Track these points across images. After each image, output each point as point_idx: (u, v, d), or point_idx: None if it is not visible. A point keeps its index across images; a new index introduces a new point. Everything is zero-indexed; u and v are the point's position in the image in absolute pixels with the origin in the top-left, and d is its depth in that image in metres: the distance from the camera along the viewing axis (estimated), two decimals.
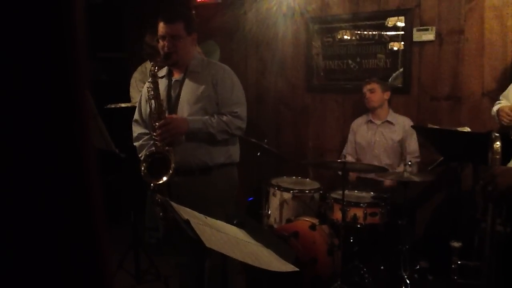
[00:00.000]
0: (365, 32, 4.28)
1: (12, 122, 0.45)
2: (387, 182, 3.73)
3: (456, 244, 2.68)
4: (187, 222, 1.56)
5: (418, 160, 3.80)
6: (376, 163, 3.81)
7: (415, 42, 4.05)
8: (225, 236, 1.66)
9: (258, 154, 3.96)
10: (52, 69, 0.47)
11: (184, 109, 2.67)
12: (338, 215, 3.35)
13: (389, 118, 3.91)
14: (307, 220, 3.37)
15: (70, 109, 0.49)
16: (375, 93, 3.86)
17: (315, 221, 3.36)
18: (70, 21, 0.48)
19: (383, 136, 3.89)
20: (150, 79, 2.61)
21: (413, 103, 4.13)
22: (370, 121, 3.98)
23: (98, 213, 0.51)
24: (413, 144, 3.83)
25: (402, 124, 3.87)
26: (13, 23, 0.45)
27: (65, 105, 0.48)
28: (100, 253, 0.51)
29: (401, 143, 3.86)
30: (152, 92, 2.58)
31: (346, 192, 3.31)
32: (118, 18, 5.52)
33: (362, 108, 4.03)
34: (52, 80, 0.47)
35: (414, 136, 3.83)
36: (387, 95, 3.90)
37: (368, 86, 3.89)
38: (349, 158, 4.01)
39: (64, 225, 0.49)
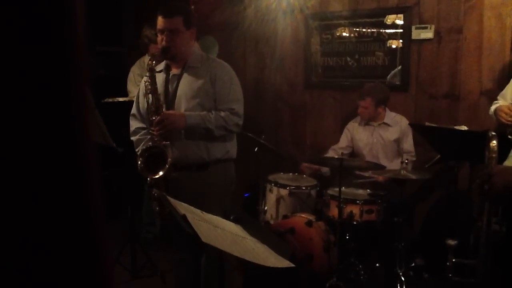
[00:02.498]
0: (364, 30, 4.28)
1: (11, 117, 0.45)
2: (381, 177, 3.74)
3: (451, 242, 2.69)
4: (184, 217, 1.56)
5: (414, 159, 3.81)
6: None
7: (414, 40, 4.05)
8: (221, 232, 1.67)
9: (256, 150, 3.96)
10: (51, 64, 0.47)
11: (181, 104, 2.67)
12: (334, 212, 3.36)
13: (386, 120, 3.89)
14: (303, 217, 3.38)
15: (70, 103, 0.49)
16: (367, 109, 3.84)
17: (312, 217, 3.37)
18: (70, 15, 0.48)
19: (380, 137, 3.89)
20: (147, 73, 2.61)
21: (411, 101, 4.14)
22: (366, 124, 3.97)
23: (97, 208, 0.51)
24: (409, 143, 3.84)
25: (399, 124, 3.87)
26: (12, 17, 0.45)
27: (64, 99, 0.48)
28: (100, 248, 0.52)
29: (398, 142, 3.86)
30: (150, 87, 2.58)
31: (343, 189, 3.32)
32: (117, 12, 5.50)
33: None
34: (52, 75, 0.47)
35: (410, 135, 3.84)
36: (381, 108, 3.86)
37: (362, 103, 3.84)
38: (331, 152, 4.03)
39: (64, 219, 0.49)
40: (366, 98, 3.81)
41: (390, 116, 3.91)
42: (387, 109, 3.93)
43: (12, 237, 0.46)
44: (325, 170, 4.02)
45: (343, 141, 4.09)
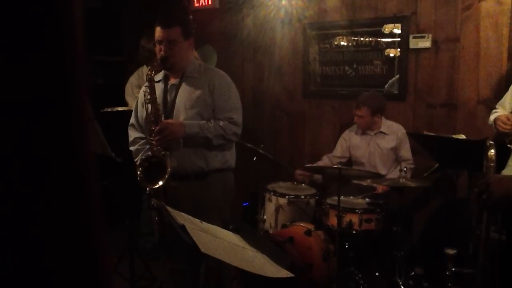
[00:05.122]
0: (362, 39, 4.30)
1: (9, 126, 0.46)
2: (380, 188, 3.74)
3: (450, 251, 2.69)
4: (183, 227, 1.56)
5: (413, 166, 3.81)
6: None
7: (411, 49, 4.07)
8: (220, 242, 1.66)
9: (254, 159, 3.95)
10: (50, 72, 0.47)
11: (180, 114, 2.68)
12: (333, 221, 3.35)
13: (382, 129, 3.88)
14: (302, 226, 3.37)
15: (69, 112, 0.49)
16: (364, 119, 3.83)
17: (311, 226, 3.36)
18: (68, 25, 0.48)
19: (377, 146, 3.89)
20: (147, 83, 2.62)
21: (409, 110, 4.14)
22: (363, 132, 3.97)
23: (96, 218, 0.51)
24: (406, 151, 3.84)
25: (395, 132, 3.86)
26: (11, 26, 0.45)
27: (63, 108, 0.48)
28: (99, 257, 0.52)
29: (395, 150, 3.86)
30: (149, 96, 2.59)
31: (342, 198, 3.31)
32: (116, 22, 5.53)
33: None
34: (50, 84, 0.47)
35: (407, 143, 3.84)
36: (377, 117, 3.85)
37: (358, 112, 3.84)
38: (325, 160, 4.04)
39: (63, 229, 0.49)
40: (362, 107, 3.81)
41: (387, 125, 3.91)
42: (383, 117, 3.94)
43: (10, 246, 0.46)
44: (317, 177, 4.03)
45: (338, 150, 4.08)
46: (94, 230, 0.51)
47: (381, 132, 3.89)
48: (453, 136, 3.52)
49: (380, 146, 3.88)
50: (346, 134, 4.09)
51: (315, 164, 4.08)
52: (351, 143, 4.02)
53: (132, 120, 2.87)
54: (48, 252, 0.48)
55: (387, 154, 3.86)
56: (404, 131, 3.86)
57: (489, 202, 1.81)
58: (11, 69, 0.45)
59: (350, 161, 4.07)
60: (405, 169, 3.40)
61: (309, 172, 4.01)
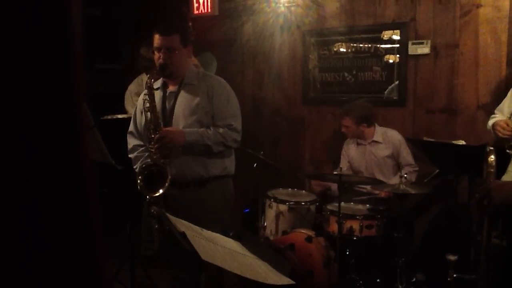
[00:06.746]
0: (361, 45, 4.31)
1: (7, 133, 0.46)
2: (383, 192, 3.72)
3: (452, 257, 2.68)
4: (183, 234, 1.55)
5: (417, 169, 3.77)
6: None
7: (411, 55, 4.07)
8: (221, 249, 1.66)
9: (255, 165, 3.95)
10: (48, 80, 0.47)
11: (179, 121, 2.67)
12: (334, 227, 3.35)
13: (375, 138, 3.84)
14: (303, 232, 3.36)
15: (67, 120, 0.49)
16: (349, 128, 3.82)
17: (311, 233, 3.36)
18: (67, 32, 0.48)
19: (373, 155, 3.86)
20: (146, 91, 2.62)
21: (408, 116, 4.15)
22: (358, 142, 3.95)
23: (95, 225, 0.51)
24: (406, 155, 3.80)
25: (390, 139, 3.83)
26: (9, 33, 0.45)
27: (61, 116, 0.48)
28: (97, 265, 0.51)
29: (392, 157, 3.82)
30: (148, 104, 2.59)
31: (342, 204, 3.31)
32: (116, 30, 5.55)
33: None
34: (49, 91, 0.47)
35: (406, 147, 3.81)
36: (363, 126, 3.81)
37: (343, 122, 3.84)
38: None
39: (61, 237, 0.49)
40: (345, 117, 3.81)
41: (380, 133, 3.87)
42: (376, 125, 3.90)
43: (8, 253, 0.46)
44: (334, 187, 3.96)
45: (344, 162, 4.03)
46: (92, 237, 0.51)
47: (375, 141, 3.86)
48: (453, 141, 3.52)
49: (376, 155, 3.85)
50: (346, 145, 4.07)
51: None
52: (349, 154, 4.00)
53: (131, 127, 2.86)
54: (46, 259, 0.48)
55: (384, 162, 3.84)
56: (399, 137, 3.83)
57: (489, 208, 1.80)
58: (8, 76, 0.45)
59: (353, 172, 4.05)
60: (405, 175, 3.39)
61: (313, 180, 4.00)
